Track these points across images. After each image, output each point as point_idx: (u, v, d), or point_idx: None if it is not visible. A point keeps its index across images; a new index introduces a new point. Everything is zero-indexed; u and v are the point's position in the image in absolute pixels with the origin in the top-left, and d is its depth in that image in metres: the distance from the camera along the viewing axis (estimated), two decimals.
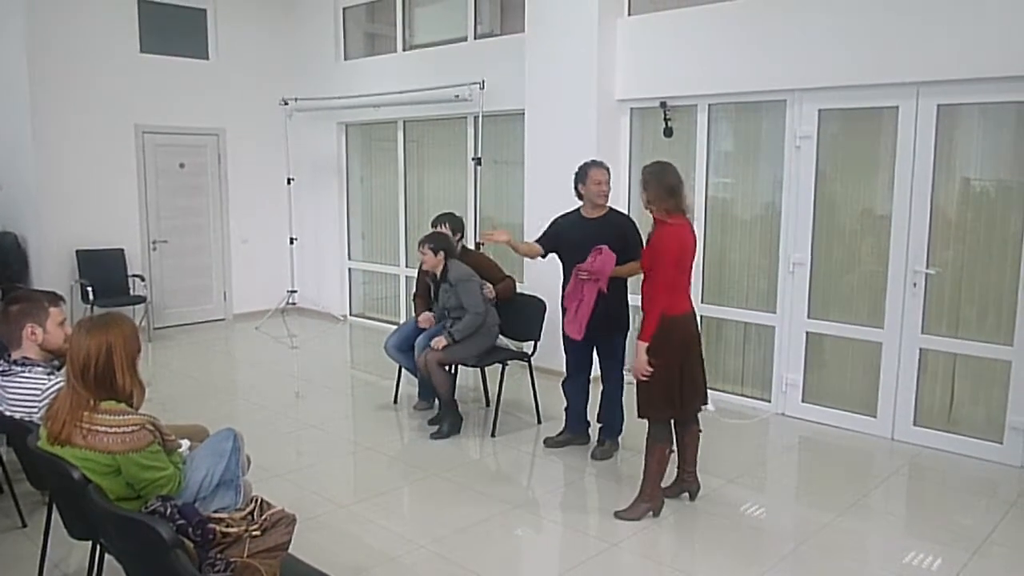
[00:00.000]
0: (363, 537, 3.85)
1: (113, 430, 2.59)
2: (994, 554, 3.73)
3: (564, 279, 4.82)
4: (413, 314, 5.80)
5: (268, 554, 2.53)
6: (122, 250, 8.20)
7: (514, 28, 7.11)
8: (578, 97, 6.28)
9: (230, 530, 2.53)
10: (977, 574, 3.54)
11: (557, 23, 6.38)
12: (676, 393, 3.92)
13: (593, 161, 4.77)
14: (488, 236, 5.00)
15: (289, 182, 8.91)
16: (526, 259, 6.05)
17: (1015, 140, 4.77)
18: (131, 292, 8.13)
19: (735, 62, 5.63)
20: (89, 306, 7.45)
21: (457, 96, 7.08)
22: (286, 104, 8.64)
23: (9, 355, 3.37)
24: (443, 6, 8.13)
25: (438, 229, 5.58)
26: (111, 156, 8.10)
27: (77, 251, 7.87)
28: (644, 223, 4.39)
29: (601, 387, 4.91)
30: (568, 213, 4.88)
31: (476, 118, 7.33)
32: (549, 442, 5.11)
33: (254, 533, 2.55)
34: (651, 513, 4.04)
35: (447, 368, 5.32)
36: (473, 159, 7.37)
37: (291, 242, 9.04)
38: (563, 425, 5.13)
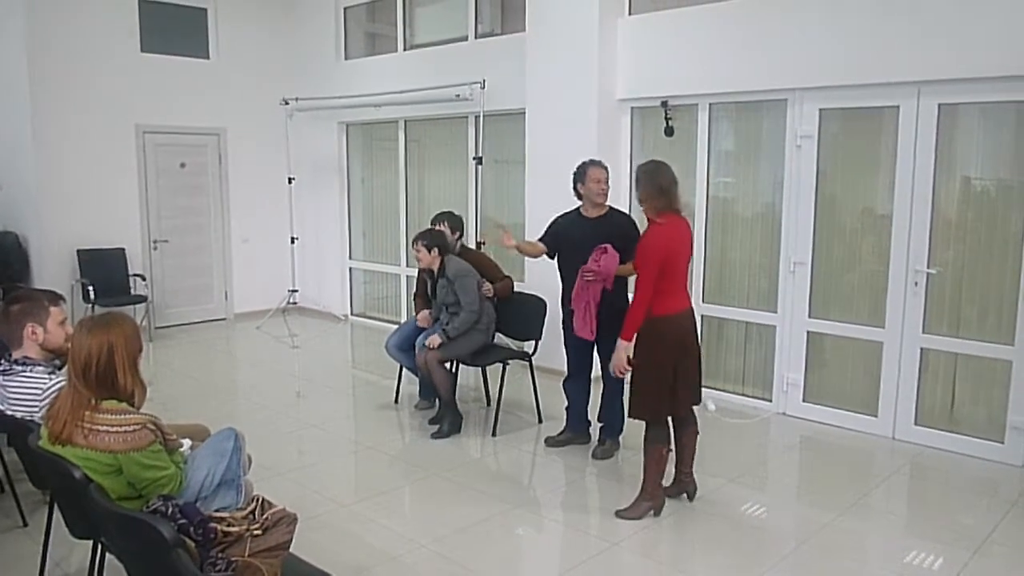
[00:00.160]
0: (364, 536, 3.86)
1: (114, 429, 2.59)
2: (995, 554, 3.73)
3: (563, 279, 4.83)
4: (414, 313, 5.80)
5: (269, 553, 2.53)
6: (123, 250, 8.20)
7: (515, 27, 7.11)
8: (579, 96, 6.28)
9: (231, 529, 2.54)
10: (978, 574, 3.54)
11: (558, 22, 6.38)
12: (668, 393, 3.91)
13: (592, 160, 4.77)
14: (502, 238, 4.97)
15: (290, 182, 8.92)
16: (527, 259, 6.07)
17: (1016, 140, 4.77)
18: (132, 292, 8.13)
19: (736, 61, 5.63)
20: (90, 306, 7.45)
21: (458, 96, 7.08)
22: (287, 104, 8.64)
23: (10, 355, 3.37)
24: (444, 6, 8.13)
25: (437, 227, 5.58)
26: (112, 156, 8.11)
27: (78, 251, 7.88)
28: (644, 222, 4.38)
29: (602, 386, 4.90)
30: (567, 213, 4.88)
31: (477, 118, 7.33)
32: (550, 441, 5.11)
33: (255, 532, 2.55)
34: (652, 512, 4.04)
35: (448, 367, 5.32)
36: (474, 159, 7.37)
37: (292, 242, 9.05)
38: (564, 424, 5.13)
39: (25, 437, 2.93)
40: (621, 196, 6.12)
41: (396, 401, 6.01)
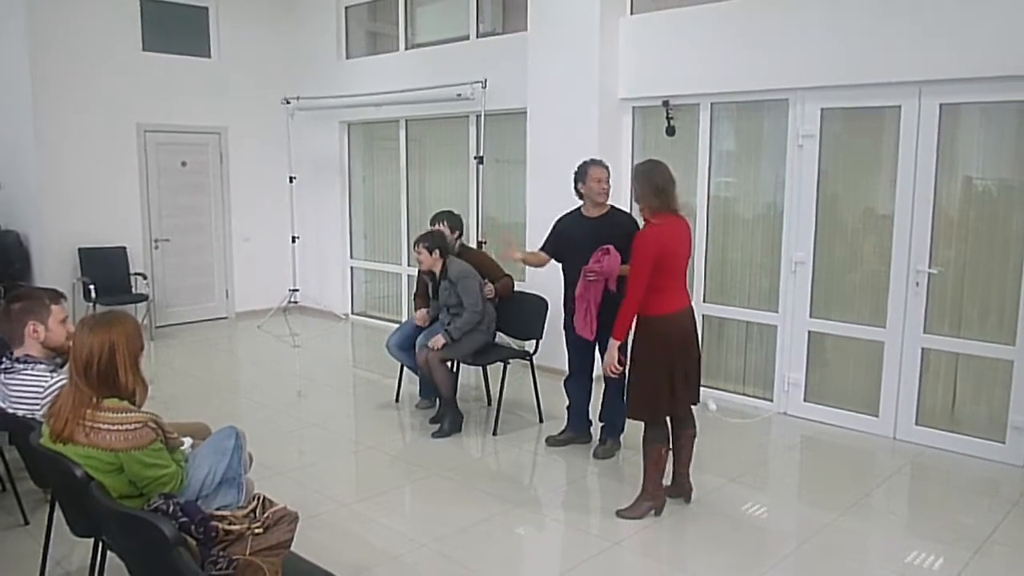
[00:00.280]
0: (365, 536, 3.86)
1: (116, 428, 2.59)
2: (996, 554, 3.73)
3: (565, 278, 4.83)
4: (414, 313, 5.80)
5: (270, 552, 2.53)
6: (124, 248, 8.21)
7: (516, 27, 7.11)
8: (580, 96, 6.28)
9: (232, 528, 2.54)
10: (979, 574, 3.53)
11: (559, 22, 6.37)
12: (664, 393, 3.90)
13: (592, 160, 4.76)
14: (507, 252, 5.03)
15: (291, 181, 8.92)
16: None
17: (1017, 139, 4.76)
18: (133, 290, 8.14)
19: (737, 61, 5.62)
20: (91, 304, 7.45)
21: (459, 95, 7.07)
22: (288, 103, 8.64)
23: (11, 353, 3.37)
24: (445, 5, 8.12)
25: (436, 227, 5.58)
26: (113, 155, 8.11)
27: (79, 249, 7.88)
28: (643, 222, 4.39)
29: (603, 386, 4.90)
30: (569, 213, 4.88)
31: (478, 117, 7.33)
32: (551, 441, 5.11)
33: (256, 531, 2.55)
34: (653, 512, 4.04)
35: (449, 366, 5.32)
36: (475, 158, 7.37)
37: (293, 241, 9.05)
38: (565, 424, 5.13)
39: (26, 435, 2.93)
40: (622, 196, 6.11)
41: (397, 400, 6.02)
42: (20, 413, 3.23)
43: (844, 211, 5.47)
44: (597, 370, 4.97)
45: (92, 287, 7.62)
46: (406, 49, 8.32)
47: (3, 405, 3.29)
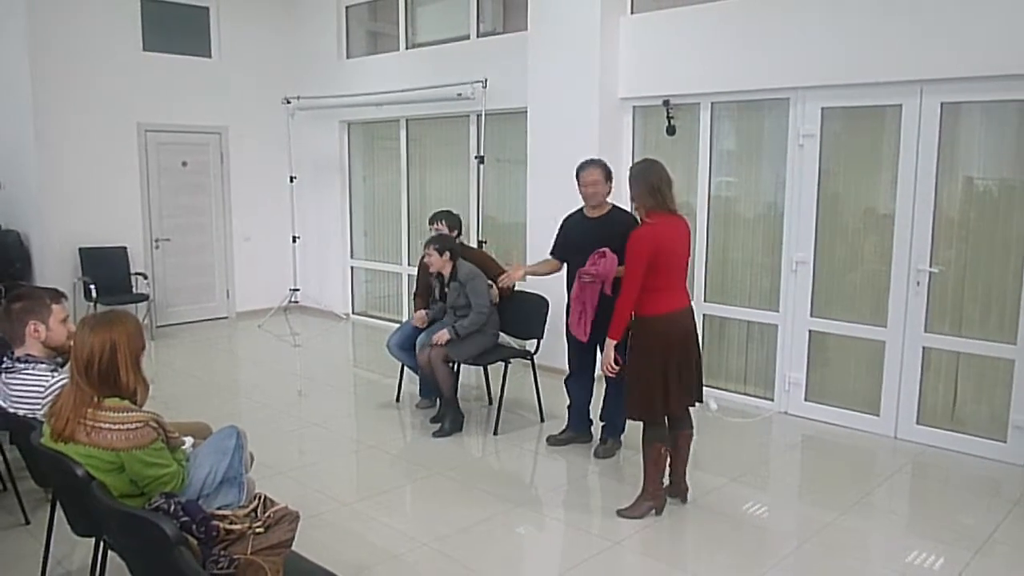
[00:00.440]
0: (366, 535, 3.86)
1: (117, 427, 2.59)
2: (997, 553, 3.72)
3: (568, 277, 4.83)
4: (414, 313, 5.80)
5: (271, 551, 2.53)
6: (125, 248, 8.21)
7: (516, 26, 7.11)
8: (581, 95, 6.28)
9: (234, 527, 2.53)
10: (980, 573, 3.53)
11: (560, 21, 6.37)
12: (662, 393, 3.89)
13: (586, 161, 4.74)
14: (508, 278, 5.07)
15: (291, 180, 8.92)
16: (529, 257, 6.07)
17: (1018, 138, 4.76)
18: (134, 290, 8.15)
19: (738, 60, 5.62)
20: (92, 304, 7.46)
21: (460, 95, 7.07)
22: (288, 102, 8.64)
23: (12, 352, 3.37)
24: (445, 4, 8.12)
25: (436, 227, 5.59)
26: (113, 154, 8.12)
27: (80, 249, 7.89)
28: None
29: (605, 386, 4.90)
30: (574, 213, 4.88)
31: (479, 116, 7.33)
32: (552, 440, 5.10)
33: (257, 530, 2.55)
34: (653, 511, 4.04)
35: (451, 366, 5.32)
36: (476, 158, 7.37)
37: (294, 240, 9.05)
38: (566, 423, 5.13)
39: (27, 435, 2.93)
40: (623, 195, 6.11)
41: (397, 400, 6.02)
42: (21, 412, 3.23)
43: (845, 210, 5.46)
44: (598, 370, 4.98)
45: (93, 287, 7.62)
46: (406, 49, 8.32)
47: (4, 404, 3.29)
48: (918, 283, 5.05)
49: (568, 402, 5.08)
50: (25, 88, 7.62)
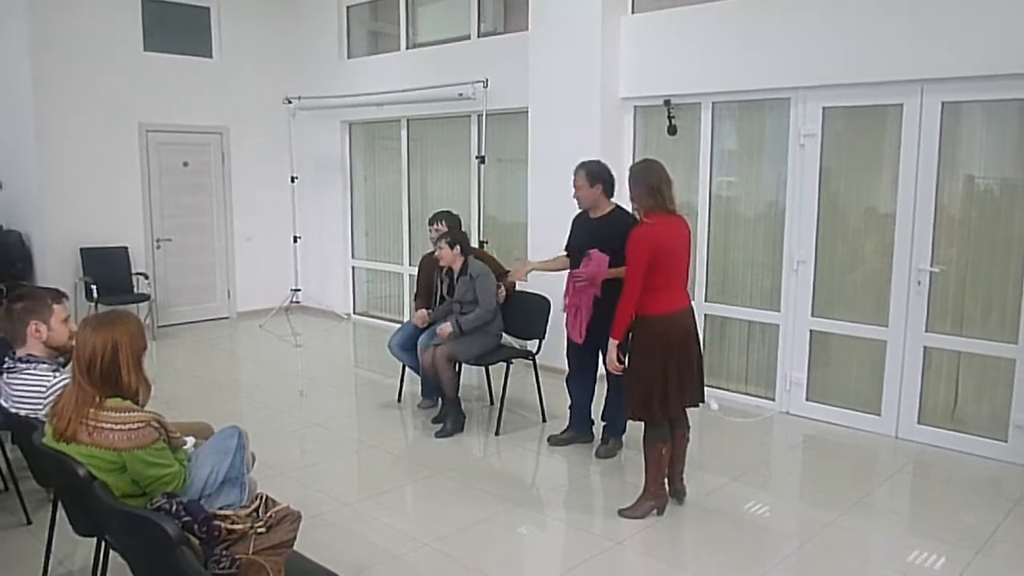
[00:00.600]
0: (367, 535, 3.86)
1: (118, 427, 2.59)
2: (998, 552, 3.72)
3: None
4: (414, 313, 5.80)
5: (273, 551, 2.53)
6: (126, 248, 8.22)
7: (517, 26, 7.10)
8: (582, 95, 6.28)
9: (235, 527, 2.54)
10: (981, 573, 3.53)
11: (561, 21, 6.37)
12: (660, 393, 3.89)
13: (577, 166, 4.73)
14: (516, 274, 5.06)
15: (293, 180, 8.92)
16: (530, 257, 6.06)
17: (1019, 138, 4.76)
18: (135, 290, 8.15)
19: (739, 60, 5.62)
20: (93, 304, 7.47)
21: (461, 95, 7.08)
22: (290, 102, 8.65)
23: (14, 352, 3.37)
24: (446, 4, 8.13)
25: (436, 227, 5.59)
26: (114, 154, 8.12)
27: (81, 249, 7.89)
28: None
29: (606, 386, 4.90)
30: (581, 212, 4.88)
31: (480, 116, 7.33)
32: (553, 440, 5.11)
33: (259, 530, 2.55)
34: (655, 511, 4.04)
35: (454, 366, 5.32)
36: (477, 158, 7.37)
37: (295, 240, 9.05)
38: (567, 423, 5.13)
39: (29, 434, 2.93)
40: (625, 196, 6.11)
41: (399, 400, 6.02)
42: (23, 412, 3.24)
43: (846, 210, 5.46)
44: (600, 369, 4.98)
45: (94, 287, 7.63)
46: (407, 49, 8.32)
47: (6, 404, 3.29)
48: (919, 283, 5.05)
49: (569, 402, 5.08)
50: (26, 88, 7.62)
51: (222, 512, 2.61)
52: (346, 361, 7.98)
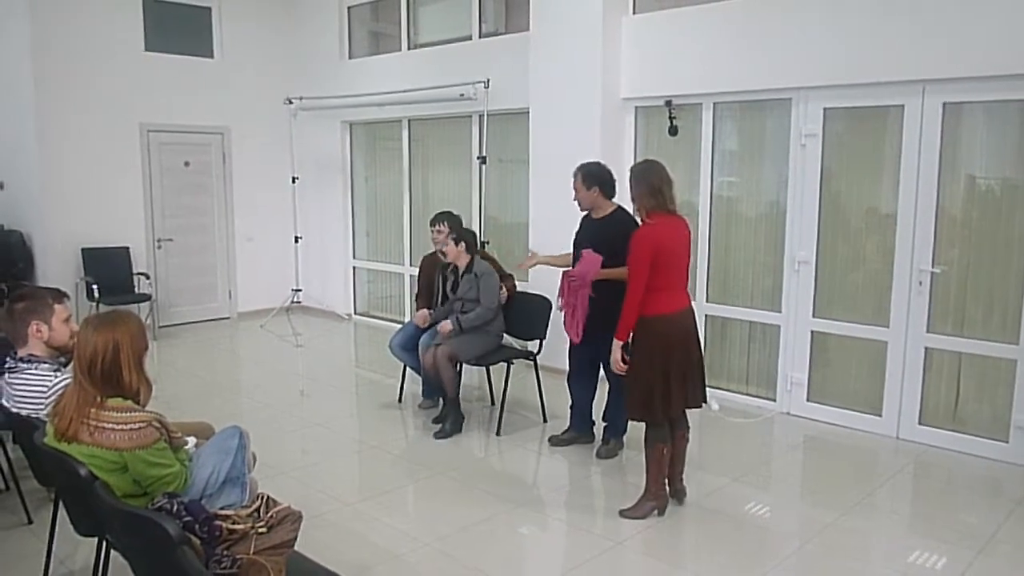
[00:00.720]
0: (368, 535, 3.86)
1: (120, 427, 2.59)
2: (999, 553, 3.72)
3: None
4: (415, 313, 5.80)
5: (274, 551, 2.53)
6: (127, 248, 8.22)
7: (519, 27, 7.10)
8: (583, 95, 6.28)
9: (236, 527, 2.54)
10: (982, 573, 3.53)
11: (562, 21, 6.37)
12: (660, 393, 3.89)
13: (577, 166, 4.74)
14: (526, 265, 5.09)
15: (294, 181, 8.92)
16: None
17: (1020, 138, 4.76)
18: (136, 290, 8.16)
19: (740, 61, 5.62)
20: (94, 304, 7.47)
21: (462, 95, 7.08)
22: (291, 103, 8.65)
23: (15, 352, 3.38)
24: (448, 5, 8.13)
25: (438, 227, 5.60)
26: (116, 155, 8.13)
27: (82, 249, 7.90)
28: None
29: (607, 386, 4.90)
30: (587, 213, 4.88)
31: (481, 117, 7.32)
32: (554, 441, 5.11)
33: (260, 530, 2.55)
34: (656, 512, 4.04)
35: (455, 366, 5.32)
36: (478, 158, 7.37)
37: (296, 241, 9.04)
38: (568, 424, 5.13)
39: (30, 434, 2.94)
40: (626, 196, 6.11)
41: (400, 400, 6.02)
42: (24, 412, 3.24)
43: (847, 210, 5.46)
44: (601, 370, 4.99)
45: (95, 287, 7.63)
46: (409, 49, 8.33)
47: (7, 404, 3.30)
48: (920, 283, 5.04)
49: (570, 402, 5.08)
50: (27, 88, 7.63)
51: (223, 512, 2.62)
52: (347, 361, 7.98)
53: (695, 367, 4.03)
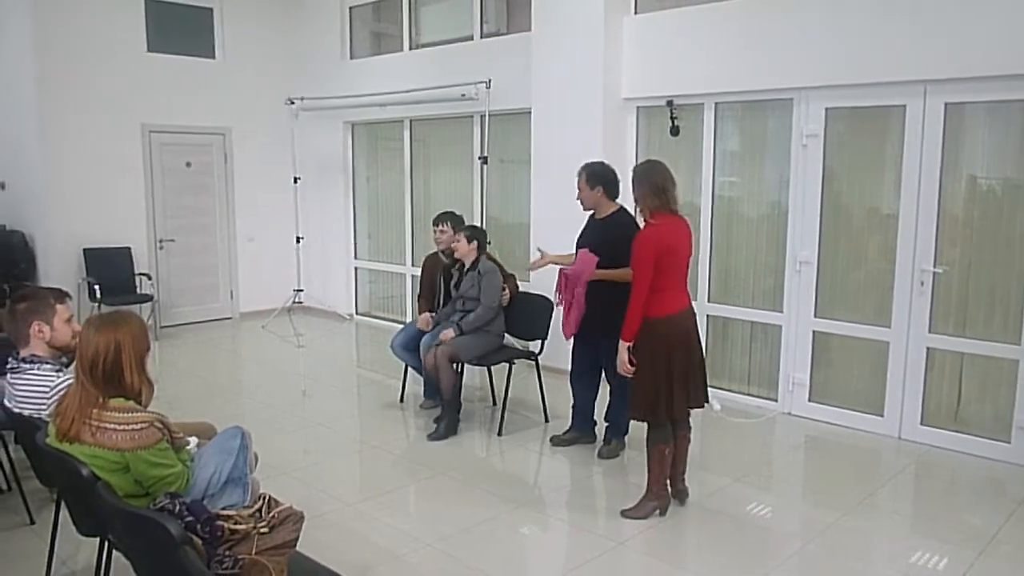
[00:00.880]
0: (369, 535, 3.86)
1: (122, 427, 2.60)
2: (1001, 553, 3.72)
3: None
4: (418, 315, 5.80)
5: (276, 551, 2.53)
6: (129, 248, 8.23)
7: (520, 27, 7.11)
8: (584, 96, 6.28)
9: (238, 527, 2.54)
10: (984, 574, 3.53)
11: (563, 21, 6.37)
12: (664, 393, 3.89)
13: (581, 166, 4.74)
14: (536, 266, 5.06)
15: (295, 181, 8.92)
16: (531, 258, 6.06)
17: (1022, 138, 4.75)
18: (138, 290, 8.16)
19: (742, 61, 5.62)
20: (96, 304, 7.47)
21: (463, 95, 7.08)
22: (292, 103, 8.66)
23: (17, 353, 3.38)
24: (449, 5, 8.13)
25: (440, 228, 5.60)
26: (117, 155, 8.13)
27: (84, 249, 7.91)
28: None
29: (609, 386, 4.89)
30: (592, 213, 4.88)
31: (482, 117, 7.33)
32: (556, 441, 5.11)
33: (262, 530, 2.56)
34: (657, 512, 4.04)
35: (455, 367, 5.32)
36: (479, 158, 7.37)
37: (297, 241, 9.05)
38: (570, 424, 5.13)
39: (32, 434, 2.94)
40: (628, 197, 6.11)
41: (401, 400, 6.02)
42: (26, 412, 3.24)
43: (849, 210, 5.46)
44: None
45: (97, 287, 7.64)
46: (410, 49, 8.33)
47: (9, 404, 3.30)
48: (922, 283, 5.04)
49: (572, 402, 5.08)
50: (29, 88, 7.64)
51: (225, 512, 2.62)
52: (348, 361, 7.98)
53: (696, 367, 4.03)
